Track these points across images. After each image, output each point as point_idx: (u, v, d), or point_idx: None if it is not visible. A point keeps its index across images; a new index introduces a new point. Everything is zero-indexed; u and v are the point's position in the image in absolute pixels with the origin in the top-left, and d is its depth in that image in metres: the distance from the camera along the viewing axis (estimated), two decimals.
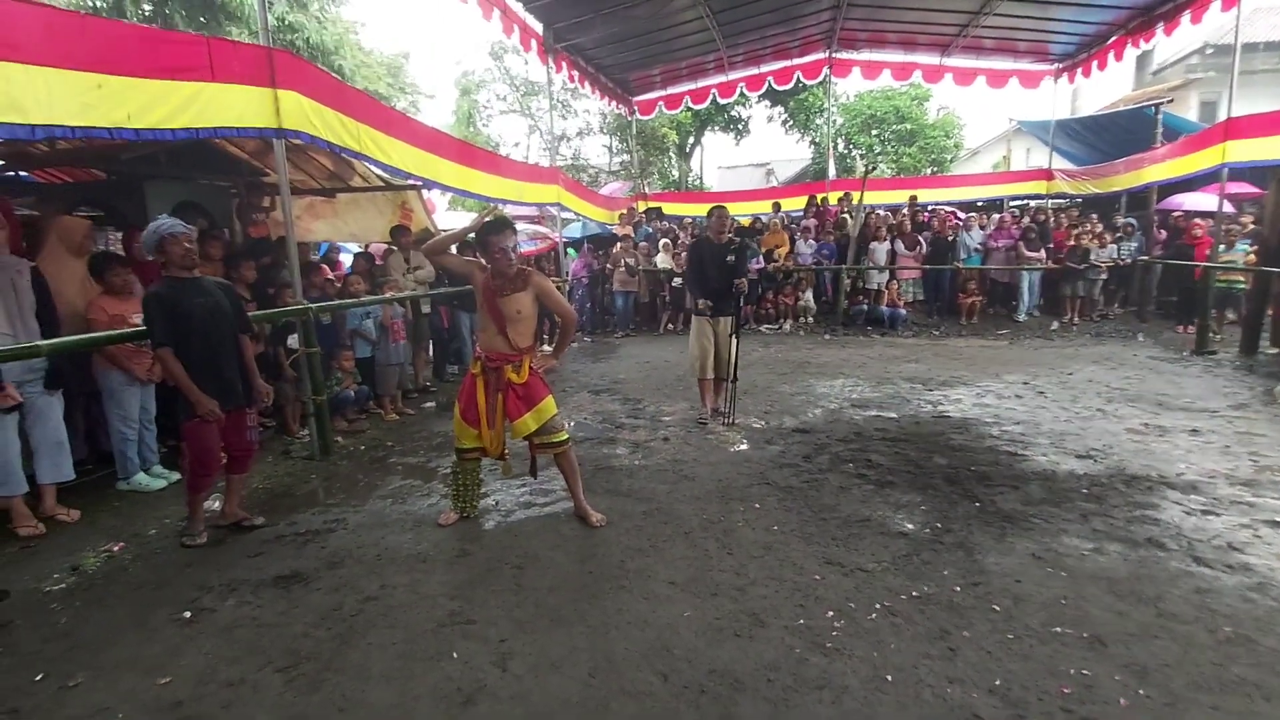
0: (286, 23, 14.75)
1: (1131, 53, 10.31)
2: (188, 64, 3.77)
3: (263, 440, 5.03)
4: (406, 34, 52.62)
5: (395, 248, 6.72)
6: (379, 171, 6.45)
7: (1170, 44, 13.49)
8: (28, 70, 3.05)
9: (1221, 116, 7.90)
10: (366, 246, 7.62)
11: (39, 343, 3.33)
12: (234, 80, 3.98)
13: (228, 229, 6.14)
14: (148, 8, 14.24)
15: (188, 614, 2.71)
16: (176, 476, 4.20)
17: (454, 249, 3.49)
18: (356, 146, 4.89)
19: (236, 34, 13.95)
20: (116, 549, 3.34)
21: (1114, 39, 10.18)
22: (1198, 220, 9.47)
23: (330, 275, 6.40)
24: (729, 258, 5.10)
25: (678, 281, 10.55)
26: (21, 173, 5.79)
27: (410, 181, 6.41)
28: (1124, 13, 9.53)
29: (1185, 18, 8.71)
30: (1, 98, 2.96)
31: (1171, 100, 11.98)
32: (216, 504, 3.67)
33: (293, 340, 4.80)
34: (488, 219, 3.39)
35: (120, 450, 4.10)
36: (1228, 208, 8.74)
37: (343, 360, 5.43)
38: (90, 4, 13.87)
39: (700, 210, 14.44)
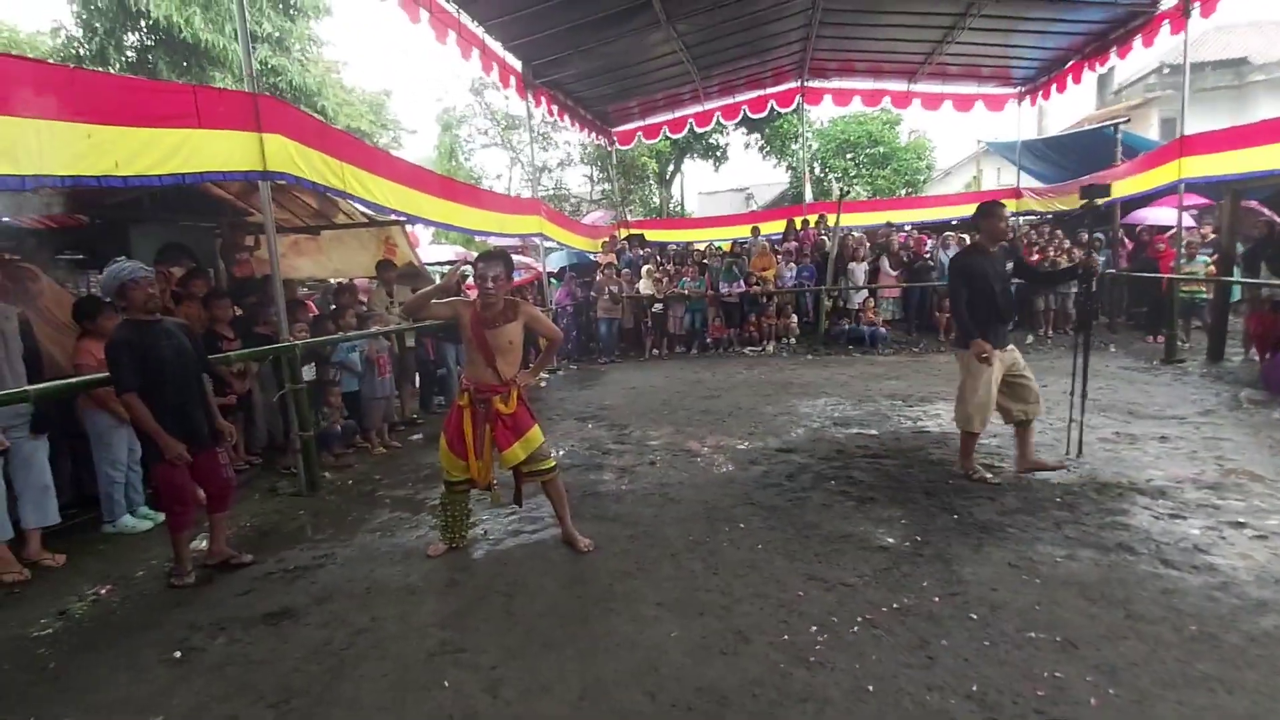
0: (269, 66, 14.95)
1: (1089, 75, 10.76)
2: (175, 111, 3.89)
3: (249, 478, 5.05)
4: (388, 71, 53.39)
5: (379, 282, 6.81)
6: (363, 208, 6.55)
7: (1129, 65, 14.02)
8: (19, 123, 3.16)
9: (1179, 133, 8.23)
10: (350, 281, 7.69)
11: (27, 388, 3.36)
12: (220, 126, 4.10)
13: (212, 269, 6.21)
14: (131, 55, 14.38)
15: (178, 654, 2.72)
16: (163, 517, 4.18)
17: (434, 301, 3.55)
18: (341, 185, 5.00)
19: (220, 78, 14.12)
20: (104, 592, 3.34)
21: (1071, 63, 10.62)
22: (1160, 234, 9.80)
23: (316, 311, 6.46)
24: (1007, 266, 4.20)
25: (658, 307, 10.72)
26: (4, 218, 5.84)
27: (393, 217, 6.53)
28: (1079, 38, 9.96)
29: (1137, 41, 9.11)
30: None
31: (1129, 120, 12.45)
32: (204, 544, 3.68)
33: (308, 371, 4.90)
34: (462, 268, 3.51)
35: (107, 493, 4.10)
36: (1188, 221, 9.05)
37: (330, 396, 5.47)
38: (74, 53, 14.02)
39: (683, 236, 14.58)
